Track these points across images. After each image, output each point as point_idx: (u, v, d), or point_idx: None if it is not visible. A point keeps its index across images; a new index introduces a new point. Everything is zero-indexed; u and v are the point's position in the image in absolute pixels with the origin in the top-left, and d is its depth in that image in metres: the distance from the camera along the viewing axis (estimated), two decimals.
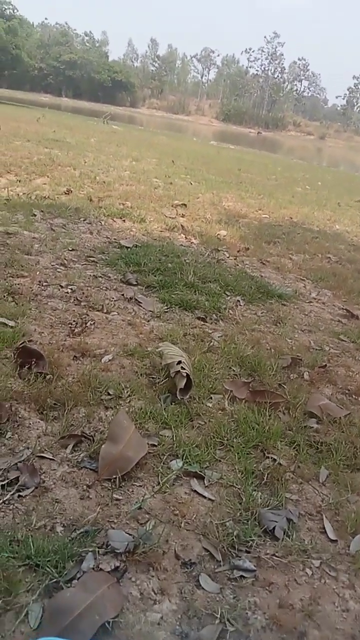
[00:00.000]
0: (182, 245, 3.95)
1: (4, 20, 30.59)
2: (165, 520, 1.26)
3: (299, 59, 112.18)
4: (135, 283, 2.90)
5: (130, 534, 1.18)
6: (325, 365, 2.24)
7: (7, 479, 1.33)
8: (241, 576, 1.14)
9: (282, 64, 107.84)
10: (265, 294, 3.08)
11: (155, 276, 3.01)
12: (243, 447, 1.56)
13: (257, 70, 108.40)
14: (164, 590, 1.09)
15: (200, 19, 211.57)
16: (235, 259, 3.86)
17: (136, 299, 2.67)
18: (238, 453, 1.53)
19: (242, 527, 1.26)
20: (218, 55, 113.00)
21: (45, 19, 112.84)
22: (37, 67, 73.18)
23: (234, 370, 2.07)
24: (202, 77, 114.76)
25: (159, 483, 1.37)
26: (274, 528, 1.26)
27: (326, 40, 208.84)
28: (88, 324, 2.28)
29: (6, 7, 32.70)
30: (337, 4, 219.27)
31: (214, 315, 2.64)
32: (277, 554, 1.21)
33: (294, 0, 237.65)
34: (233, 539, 1.22)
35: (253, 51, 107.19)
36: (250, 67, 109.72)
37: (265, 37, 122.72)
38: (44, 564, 1.09)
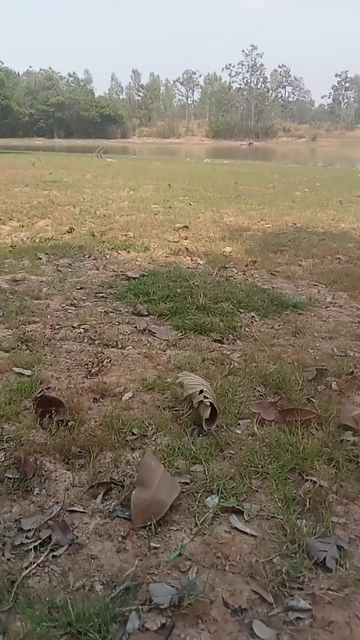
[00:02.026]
0: (188, 267, 3.92)
1: None
2: (208, 564, 1.19)
3: (279, 67, 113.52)
4: (147, 313, 2.86)
5: (173, 586, 1.12)
6: (352, 371, 2.16)
7: (40, 538, 1.28)
8: (297, 618, 1.06)
9: (264, 74, 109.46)
10: (279, 306, 3.02)
11: (165, 304, 2.98)
12: (279, 472, 1.49)
13: (240, 84, 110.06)
14: None
15: (178, 41, 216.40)
16: (244, 274, 3.82)
17: (149, 330, 2.63)
18: (275, 480, 1.46)
19: (291, 562, 1.18)
20: (200, 76, 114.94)
21: (30, 66, 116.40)
22: (27, 113, 75.23)
23: (258, 391, 2.01)
24: (187, 99, 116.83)
25: (196, 524, 1.31)
26: (324, 559, 1.18)
27: (304, 44, 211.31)
28: (104, 363, 2.24)
29: None
30: (311, 5, 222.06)
31: (230, 335, 2.58)
32: (332, 588, 1.13)
33: (269, 7, 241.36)
34: (283, 576, 1.14)
35: (233, 66, 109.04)
36: (232, 82, 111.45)
37: (243, 50, 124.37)
38: (87, 630, 1.02)
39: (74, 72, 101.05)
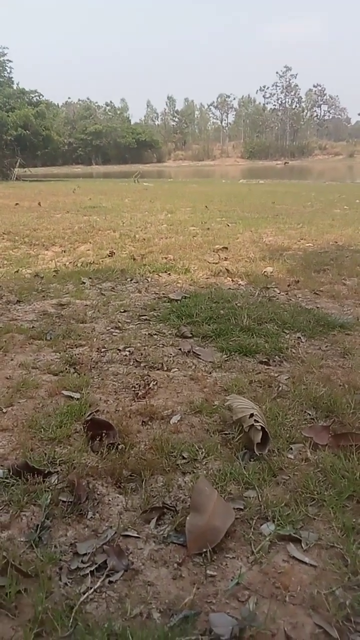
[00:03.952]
0: (230, 288, 3.92)
1: (32, 107, 33.03)
2: (267, 595, 1.16)
3: (314, 86, 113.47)
4: (191, 335, 2.87)
5: (233, 616, 1.09)
6: None
7: (95, 563, 1.28)
8: None
9: (298, 94, 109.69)
10: (325, 326, 2.96)
11: (209, 325, 2.98)
12: (336, 499, 1.44)
13: (274, 105, 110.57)
14: None
15: (212, 66, 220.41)
16: (287, 294, 3.79)
17: (194, 352, 2.64)
18: (332, 507, 1.41)
19: (354, 595, 1.14)
20: (234, 99, 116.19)
21: (69, 98, 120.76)
22: (66, 143, 77.87)
23: (309, 414, 1.96)
24: (221, 122, 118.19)
25: (252, 552, 1.28)
26: None
27: (339, 63, 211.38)
28: (151, 385, 2.25)
29: (33, 95, 35.32)
30: (346, 24, 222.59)
31: (276, 357, 2.55)
32: None
33: (303, 29, 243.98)
34: (347, 610, 1.10)
35: (267, 88, 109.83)
36: (267, 104, 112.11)
37: (277, 72, 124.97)
38: None
39: (110, 102, 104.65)
